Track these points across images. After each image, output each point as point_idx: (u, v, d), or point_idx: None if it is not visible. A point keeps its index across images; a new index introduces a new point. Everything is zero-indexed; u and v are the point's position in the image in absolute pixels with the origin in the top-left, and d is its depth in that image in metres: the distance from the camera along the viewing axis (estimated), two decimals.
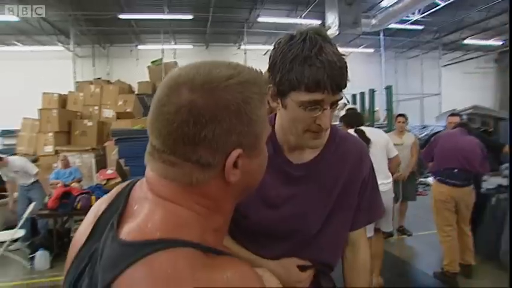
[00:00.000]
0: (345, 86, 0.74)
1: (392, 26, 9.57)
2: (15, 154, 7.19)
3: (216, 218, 0.47)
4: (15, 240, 3.97)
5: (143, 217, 0.43)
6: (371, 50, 13.34)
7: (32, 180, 4.40)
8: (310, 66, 0.69)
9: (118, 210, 0.46)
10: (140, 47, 11.92)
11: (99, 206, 0.53)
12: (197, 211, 0.44)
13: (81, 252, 0.48)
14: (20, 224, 3.90)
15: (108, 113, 7.97)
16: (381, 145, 2.67)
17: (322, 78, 0.69)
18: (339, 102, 0.76)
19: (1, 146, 10.48)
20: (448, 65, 13.56)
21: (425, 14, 9.12)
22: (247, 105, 0.44)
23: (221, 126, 0.42)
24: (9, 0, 7.15)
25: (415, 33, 11.74)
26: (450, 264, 2.98)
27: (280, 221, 0.87)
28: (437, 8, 8.55)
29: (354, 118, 2.81)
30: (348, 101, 0.81)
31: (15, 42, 10.62)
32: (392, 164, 2.91)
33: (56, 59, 10.61)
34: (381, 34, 11.42)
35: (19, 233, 3.90)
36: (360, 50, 13.35)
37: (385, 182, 2.62)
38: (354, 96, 6.38)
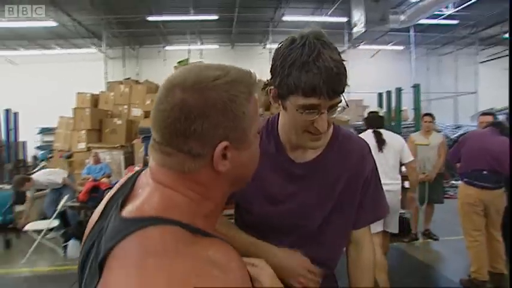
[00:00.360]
0: (343, 91, 0.75)
1: (424, 21, 9.15)
2: (51, 152, 7.70)
3: (207, 204, 0.51)
4: (51, 230, 4.26)
5: (143, 199, 0.49)
6: (400, 47, 12.86)
7: (61, 185, 4.66)
8: (307, 72, 0.71)
9: (124, 194, 0.53)
10: (168, 47, 12.27)
11: (111, 191, 0.60)
12: (190, 196, 0.49)
13: (93, 229, 0.55)
14: (54, 215, 4.18)
15: (137, 112, 8.26)
16: (395, 149, 2.78)
17: (318, 84, 0.70)
18: (339, 105, 0.77)
19: (41, 142, 11.24)
20: (486, 61, 12.75)
21: (460, 7, 8.65)
22: (233, 103, 0.48)
23: (209, 121, 0.47)
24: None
25: (449, 28, 11.11)
26: (478, 272, 2.82)
27: (283, 217, 0.90)
28: (473, 0, 8.08)
29: (374, 120, 2.93)
30: (347, 105, 0.81)
31: (54, 46, 11.33)
32: (408, 170, 3.02)
33: (90, 60, 11.21)
34: (411, 30, 10.97)
35: (54, 223, 4.19)
36: (389, 47, 12.91)
37: (394, 182, 2.72)
38: (380, 95, 6.18)
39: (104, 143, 7.37)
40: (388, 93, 5.93)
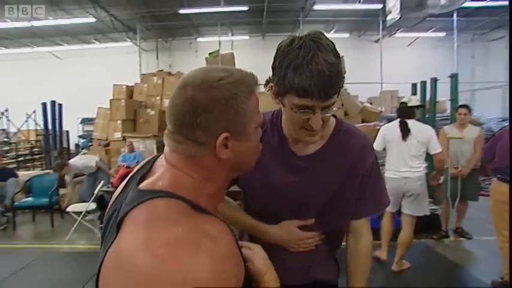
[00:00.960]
0: (335, 92, 0.77)
1: (469, 4, 8.45)
2: (91, 140, 8.23)
3: (210, 186, 0.61)
4: (89, 212, 4.62)
5: (157, 176, 0.60)
6: (442, 34, 12.04)
7: (95, 169, 5.15)
8: (300, 75, 0.74)
9: (142, 172, 0.64)
10: (199, 39, 12.49)
11: (133, 171, 0.71)
12: (195, 178, 0.59)
13: (115, 200, 0.65)
14: (91, 199, 4.54)
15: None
16: (419, 139, 2.91)
17: (309, 87, 0.73)
18: (334, 104, 0.80)
19: (82, 132, 12.05)
20: None
21: None
22: (234, 100, 0.57)
23: (212, 115, 0.56)
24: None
25: (499, 10, 10.01)
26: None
27: (284, 205, 0.96)
28: None
29: (403, 111, 3.12)
30: (343, 104, 0.87)
31: (93, 41, 11.98)
32: (434, 160, 3.08)
33: (126, 53, 11.75)
34: (454, 15, 10.19)
35: (91, 206, 4.53)
36: (428, 34, 12.15)
37: (412, 170, 2.94)
38: (414, 85, 5.87)
39: (138, 132, 7.73)
40: (423, 83, 5.61)
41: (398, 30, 11.96)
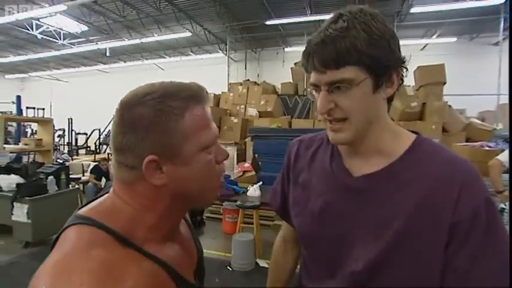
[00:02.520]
0: (339, 62, 0.58)
1: None
2: None
3: (150, 216, 0.54)
4: None
5: (97, 202, 0.56)
6: None
7: None
8: (305, 47, 0.64)
9: (95, 198, 0.60)
10: (286, 49, 12.58)
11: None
12: (132, 206, 0.53)
13: None
14: None
15: (252, 112, 8.80)
16: None
17: (308, 56, 0.63)
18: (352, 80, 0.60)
19: None
20: None
21: None
22: (158, 117, 0.50)
23: (137, 135, 0.50)
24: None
25: None
26: None
27: (325, 243, 0.71)
28: None
29: None
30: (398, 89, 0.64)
31: (190, 53, 13.30)
32: None
33: (218, 64, 12.66)
34: None
35: None
36: None
37: None
38: None
39: (221, 139, 8.14)
40: None
41: None
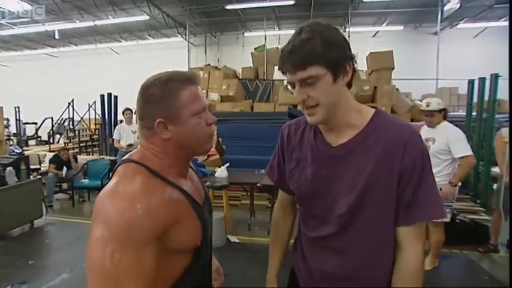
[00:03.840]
0: (303, 65, 0.79)
1: None
2: None
3: (166, 158, 0.79)
4: None
5: (132, 153, 0.82)
6: None
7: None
8: (280, 55, 0.85)
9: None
10: (246, 34, 12.62)
11: None
12: (153, 153, 0.79)
13: None
14: None
15: (214, 96, 8.82)
16: (440, 142, 2.84)
17: (281, 63, 0.84)
18: (316, 75, 0.80)
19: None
20: None
21: None
22: (164, 94, 0.76)
23: (151, 106, 0.77)
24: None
25: None
26: None
27: (316, 198, 0.94)
28: None
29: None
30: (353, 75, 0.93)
31: (147, 37, 12.79)
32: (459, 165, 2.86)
33: (177, 48, 12.37)
34: None
35: None
36: (498, 23, 10.86)
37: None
38: (471, 82, 5.31)
39: None
40: (482, 80, 5.07)
41: (461, 20, 10.87)
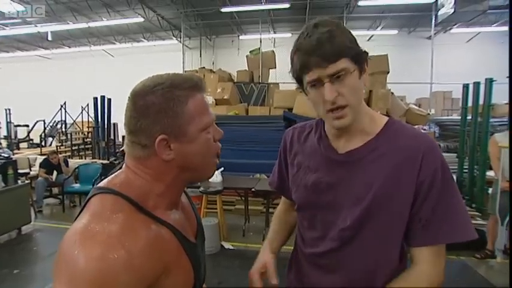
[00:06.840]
0: (335, 55, 0.71)
1: None
2: None
3: (158, 185, 0.64)
4: None
5: (113, 176, 0.65)
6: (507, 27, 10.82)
7: None
8: (299, 51, 0.74)
9: (113, 172, 0.69)
10: (242, 37, 12.61)
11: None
12: (143, 177, 0.63)
13: None
14: None
15: (209, 99, 8.75)
16: None
17: (307, 58, 0.72)
18: (346, 69, 0.72)
19: None
20: None
21: None
22: (167, 104, 0.60)
23: (149, 119, 0.60)
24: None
25: None
26: None
27: (317, 208, 0.86)
28: None
29: None
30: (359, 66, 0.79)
31: (142, 39, 12.71)
32: None
33: (172, 51, 12.29)
34: None
35: None
36: (493, 28, 10.97)
37: None
38: (466, 86, 5.33)
39: None
40: (477, 84, 5.08)
41: (454, 25, 10.97)
